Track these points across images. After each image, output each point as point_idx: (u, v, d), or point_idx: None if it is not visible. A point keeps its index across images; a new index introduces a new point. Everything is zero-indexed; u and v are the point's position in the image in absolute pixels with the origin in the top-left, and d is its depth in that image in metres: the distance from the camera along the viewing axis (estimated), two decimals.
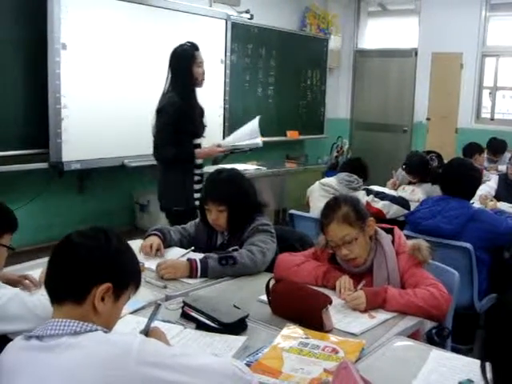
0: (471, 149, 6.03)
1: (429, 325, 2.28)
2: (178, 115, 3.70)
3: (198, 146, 3.93)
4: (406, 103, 8.76)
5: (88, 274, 1.40)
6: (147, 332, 1.65)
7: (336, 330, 2.00)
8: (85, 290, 1.39)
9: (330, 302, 1.99)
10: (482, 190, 4.75)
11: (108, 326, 1.45)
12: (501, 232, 3.39)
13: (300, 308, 2.01)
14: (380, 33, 9.31)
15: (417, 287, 2.25)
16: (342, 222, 2.33)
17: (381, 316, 2.15)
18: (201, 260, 2.56)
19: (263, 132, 7.22)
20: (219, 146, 4.03)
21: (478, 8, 7.99)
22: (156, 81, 5.90)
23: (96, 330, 1.35)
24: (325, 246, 2.44)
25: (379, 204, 3.99)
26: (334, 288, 2.33)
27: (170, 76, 3.90)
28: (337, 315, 2.12)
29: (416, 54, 8.66)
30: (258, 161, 6.42)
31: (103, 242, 1.45)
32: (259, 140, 3.98)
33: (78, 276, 1.39)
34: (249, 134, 4.01)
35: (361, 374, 1.52)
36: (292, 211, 3.80)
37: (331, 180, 4.18)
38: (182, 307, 2.09)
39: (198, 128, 3.88)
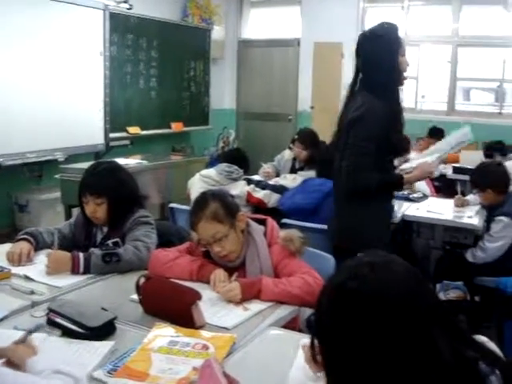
0: None
1: (308, 312, 2.30)
2: (381, 126, 2.67)
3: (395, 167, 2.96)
4: (290, 92, 8.88)
5: None
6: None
7: (208, 326, 1.96)
8: None
9: (200, 298, 1.95)
10: None
11: None
12: None
13: (170, 305, 1.96)
14: (263, 23, 9.37)
15: (291, 277, 2.26)
16: (211, 220, 2.28)
17: (255, 307, 2.13)
18: (84, 256, 2.49)
19: (148, 125, 7.15)
20: (427, 163, 2.91)
21: None
22: (29, 73, 5.65)
23: None
24: (198, 243, 2.38)
25: (260, 193, 3.99)
26: (209, 282, 2.29)
27: (360, 69, 2.85)
28: (210, 310, 2.08)
29: (299, 43, 8.80)
30: (143, 154, 6.29)
31: None
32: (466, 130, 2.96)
33: None
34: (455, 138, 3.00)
35: (225, 370, 1.49)
36: (172, 205, 3.72)
37: (211, 171, 4.13)
38: (47, 314, 1.97)
39: (404, 142, 2.91)
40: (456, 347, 1.12)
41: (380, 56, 2.73)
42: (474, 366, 1.14)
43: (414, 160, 2.94)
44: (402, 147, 2.86)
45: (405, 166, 2.91)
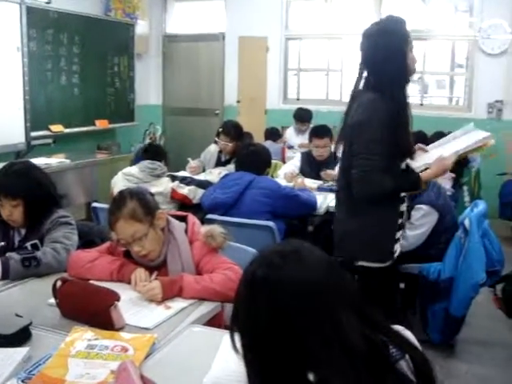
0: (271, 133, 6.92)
1: None
2: (389, 128, 2.48)
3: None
4: (216, 87, 8.84)
5: None
6: None
7: (129, 327, 1.93)
8: None
9: (118, 299, 1.91)
10: (287, 168, 4.94)
11: None
12: (282, 194, 3.62)
13: (88, 308, 1.91)
14: (188, 17, 9.28)
15: (213, 273, 2.24)
16: (130, 219, 2.23)
17: (177, 305, 2.11)
18: (2, 261, 2.39)
19: (71, 122, 6.97)
20: (443, 158, 2.69)
21: None
22: None
23: None
24: (117, 242, 2.33)
25: (185, 190, 3.94)
26: (130, 282, 2.25)
27: (364, 67, 2.65)
28: (131, 310, 2.05)
29: (224, 38, 8.76)
30: (67, 153, 6.12)
31: None
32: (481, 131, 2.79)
33: None
34: (465, 132, 2.85)
35: (142, 372, 1.46)
36: (95, 204, 3.64)
37: (133, 169, 4.04)
38: None
39: (411, 145, 2.68)
40: (366, 332, 1.15)
41: (390, 51, 2.52)
42: (383, 351, 1.16)
43: (419, 157, 2.77)
44: (409, 150, 2.66)
45: (415, 163, 2.73)
